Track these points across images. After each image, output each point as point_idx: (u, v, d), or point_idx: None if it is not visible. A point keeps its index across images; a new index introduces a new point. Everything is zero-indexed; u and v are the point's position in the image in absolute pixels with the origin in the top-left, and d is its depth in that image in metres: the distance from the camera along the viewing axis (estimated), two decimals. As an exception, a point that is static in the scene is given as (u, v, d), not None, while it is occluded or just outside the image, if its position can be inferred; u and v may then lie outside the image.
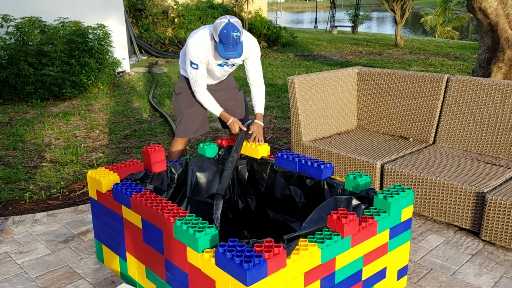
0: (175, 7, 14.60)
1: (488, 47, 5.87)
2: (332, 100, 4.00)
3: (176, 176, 2.74)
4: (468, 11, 6.05)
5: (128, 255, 2.36)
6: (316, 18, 28.31)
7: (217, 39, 2.78)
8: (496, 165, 3.20)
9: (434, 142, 3.71)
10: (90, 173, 2.48)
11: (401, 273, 2.30)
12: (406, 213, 2.19)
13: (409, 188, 2.20)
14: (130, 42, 12.10)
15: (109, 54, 8.09)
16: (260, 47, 13.62)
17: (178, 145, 3.33)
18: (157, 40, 13.33)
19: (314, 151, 3.72)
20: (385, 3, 15.84)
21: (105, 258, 2.60)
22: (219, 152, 2.93)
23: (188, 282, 1.92)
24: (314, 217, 1.99)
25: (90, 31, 7.79)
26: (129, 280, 2.42)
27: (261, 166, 2.82)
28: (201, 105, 3.23)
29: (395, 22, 15.86)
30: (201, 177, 2.85)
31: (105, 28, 8.00)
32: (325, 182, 2.45)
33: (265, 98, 6.21)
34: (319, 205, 2.06)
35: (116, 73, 8.72)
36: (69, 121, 6.02)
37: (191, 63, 2.95)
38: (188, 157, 2.85)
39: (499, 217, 2.74)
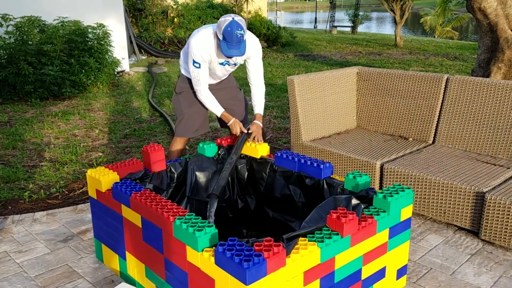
0: (174, 6, 14.60)
1: (488, 47, 5.87)
2: (331, 100, 4.00)
3: (175, 176, 2.74)
4: (467, 11, 6.06)
5: (127, 254, 2.36)
6: (315, 18, 28.33)
7: (220, 37, 2.78)
8: (495, 165, 3.20)
9: (433, 142, 3.71)
10: (90, 172, 2.48)
11: (401, 272, 2.30)
12: (406, 212, 2.19)
13: (408, 188, 2.20)
14: (130, 42, 12.10)
15: (109, 53, 8.09)
16: (260, 47, 13.60)
17: (178, 144, 3.32)
18: (157, 39, 13.33)
19: (314, 150, 3.72)
20: (384, 3, 15.85)
21: (105, 257, 2.60)
22: (219, 152, 2.93)
23: (187, 281, 1.92)
24: (314, 217, 1.99)
25: (89, 30, 7.80)
26: (129, 279, 2.42)
27: (261, 165, 2.82)
28: (202, 105, 3.23)
29: (395, 22, 15.87)
30: (201, 177, 2.85)
31: (105, 28, 8.00)
32: (324, 181, 2.45)
33: (265, 98, 6.21)
34: (319, 205, 2.06)
35: (115, 73, 8.72)
36: (68, 120, 6.02)
37: (194, 62, 2.95)
38: (188, 157, 2.85)
39: (498, 216, 2.74)
